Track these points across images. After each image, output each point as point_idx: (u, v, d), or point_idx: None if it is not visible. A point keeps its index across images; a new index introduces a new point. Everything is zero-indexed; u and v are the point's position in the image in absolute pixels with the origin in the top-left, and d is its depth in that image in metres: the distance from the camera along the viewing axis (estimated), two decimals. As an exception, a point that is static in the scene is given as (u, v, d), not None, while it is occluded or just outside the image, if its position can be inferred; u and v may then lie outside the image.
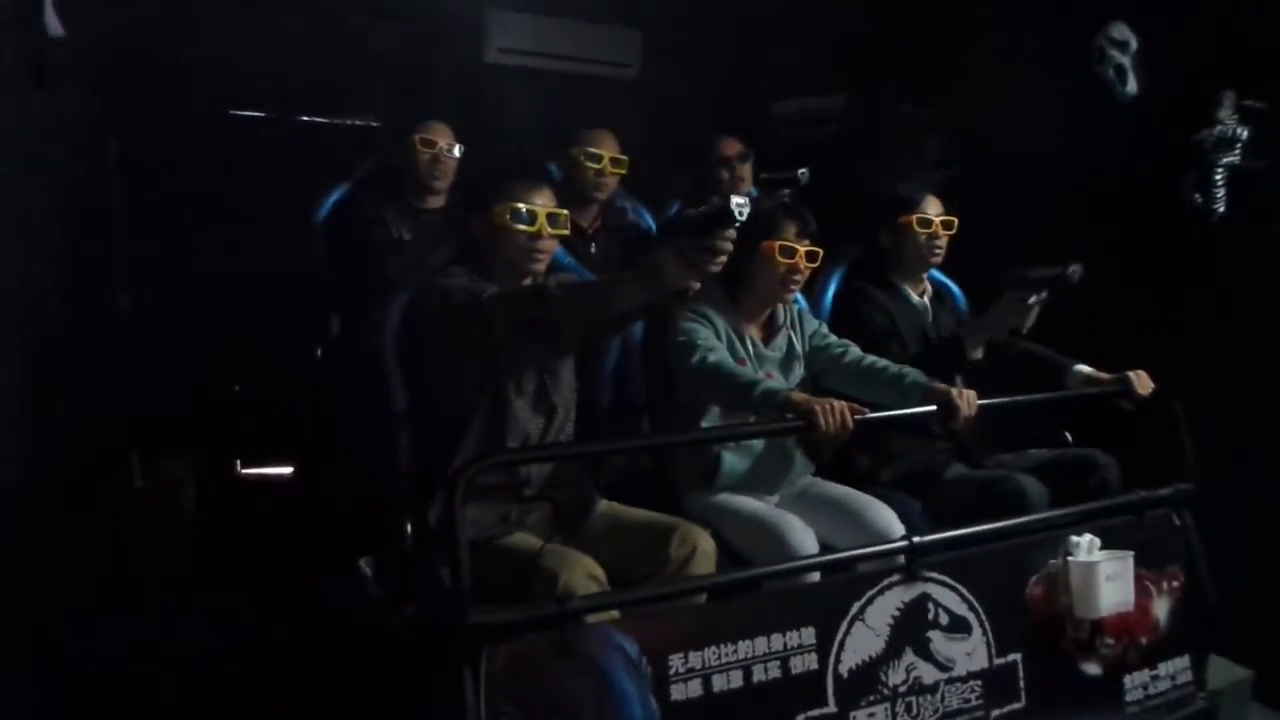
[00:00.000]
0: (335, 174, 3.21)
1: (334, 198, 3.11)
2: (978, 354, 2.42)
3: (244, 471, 3.79)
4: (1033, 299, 2.32)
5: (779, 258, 2.26)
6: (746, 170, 3.21)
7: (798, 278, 2.31)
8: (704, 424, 2.29)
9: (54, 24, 2.39)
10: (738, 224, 1.61)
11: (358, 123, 4.24)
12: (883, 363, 2.34)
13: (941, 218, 2.65)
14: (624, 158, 2.91)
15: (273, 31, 3.75)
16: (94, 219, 3.42)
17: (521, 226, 2.06)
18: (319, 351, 3.00)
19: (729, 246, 1.65)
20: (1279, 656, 2.49)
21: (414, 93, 4.11)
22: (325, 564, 2.35)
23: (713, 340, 2.22)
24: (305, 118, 4.19)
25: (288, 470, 3.44)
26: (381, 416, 2.12)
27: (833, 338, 2.46)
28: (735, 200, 1.58)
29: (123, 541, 3.13)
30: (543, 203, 2.08)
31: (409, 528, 1.99)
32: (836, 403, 1.93)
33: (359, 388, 2.26)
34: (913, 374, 2.26)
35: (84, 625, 2.63)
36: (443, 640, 1.63)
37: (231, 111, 3.99)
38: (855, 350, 2.40)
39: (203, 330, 3.60)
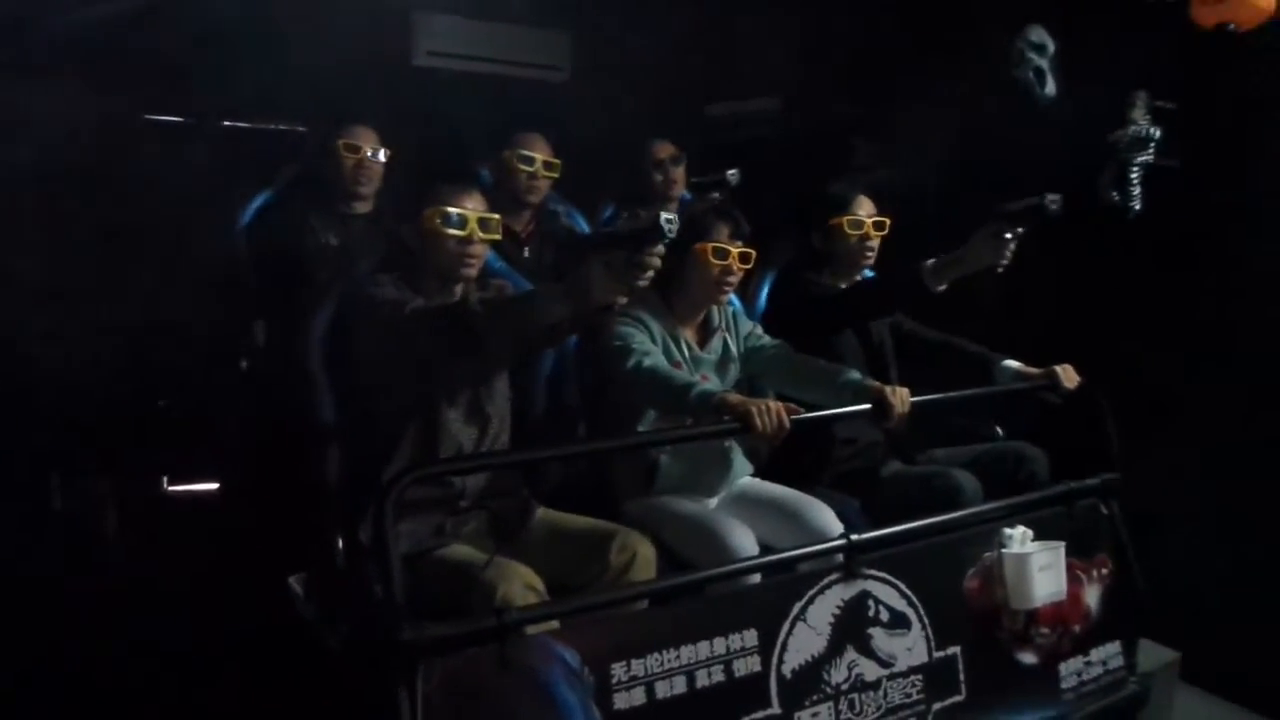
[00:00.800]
0: (259, 181, 3.12)
1: (257, 204, 3.02)
2: (941, 287, 2.39)
3: (171, 489, 3.67)
4: (1008, 233, 2.28)
5: (712, 259, 2.26)
6: (679, 173, 3.21)
7: (731, 279, 2.30)
8: (641, 428, 2.28)
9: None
10: (666, 240, 1.63)
11: (283, 127, 4.14)
12: (816, 361, 2.35)
13: (873, 219, 2.68)
14: (556, 160, 2.89)
15: (193, 33, 3.65)
16: (3, 229, 3.28)
17: (452, 231, 2.01)
18: (244, 363, 2.90)
19: (657, 262, 1.68)
20: (1204, 638, 2.57)
21: (341, 97, 4.03)
22: (255, 582, 2.28)
23: (647, 344, 2.21)
24: (227, 123, 4.08)
25: (215, 486, 3.34)
26: (309, 429, 2.06)
27: (767, 338, 2.46)
28: (664, 216, 1.60)
29: (42, 565, 3.00)
30: (473, 206, 2.04)
31: (340, 543, 1.93)
32: (772, 403, 1.93)
33: (286, 399, 2.19)
34: (846, 373, 2.27)
35: (9, 651, 2.51)
36: (377, 659, 1.58)
37: (149, 116, 3.86)
38: (788, 350, 2.41)
39: (123, 344, 3.48)
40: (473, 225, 2.02)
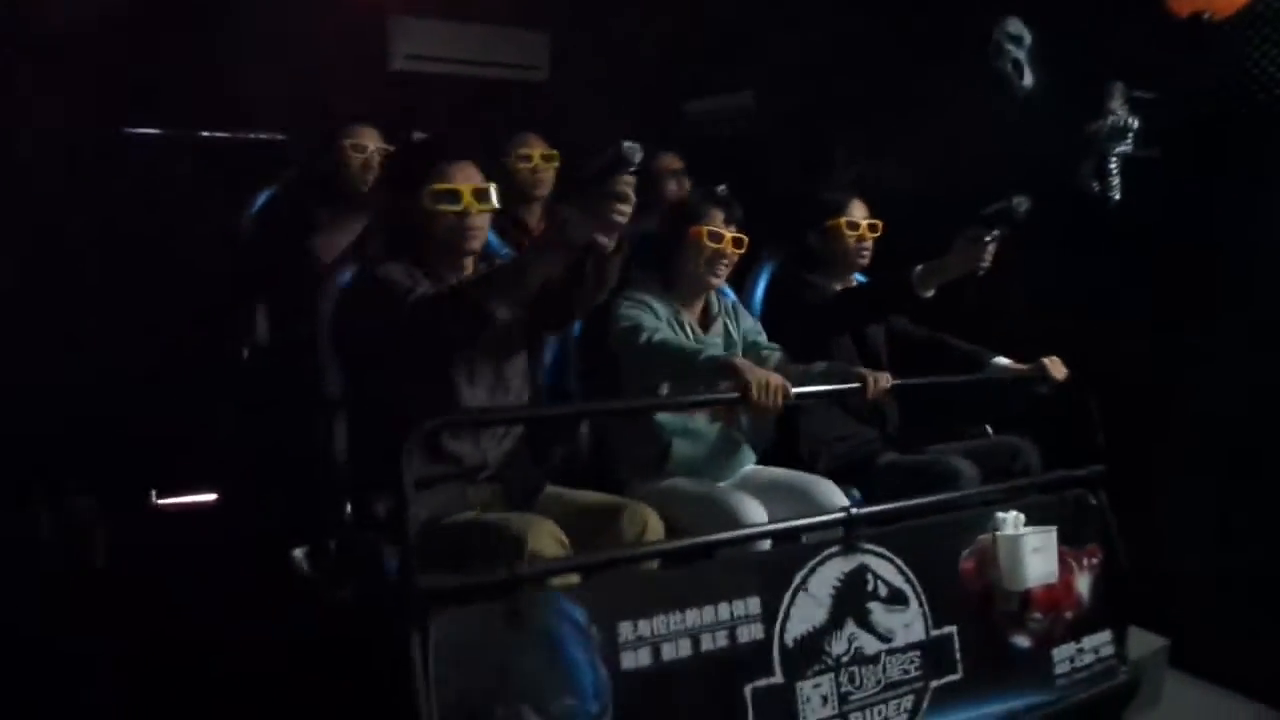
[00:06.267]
0: (245, 188, 3.17)
1: (262, 200, 3.08)
2: (928, 293, 2.50)
3: (160, 502, 3.62)
4: (986, 237, 2.39)
5: (706, 242, 2.33)
6: (687, 183, 3.32)
7: (725, 263, 2.37)
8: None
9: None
10: (633, 168, 1.61)
11: (262, 136, 4.18)
12: (803, 366, 2.40)
13: (867, 221, 2.76)
14: (554, 151, 2.99)
15: (171, 45, 3.69)
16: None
17: (447, 207, 2.02)
18: (245, 352, 2.92)
19: (629, 192, 1.67)
20: (1192, 625, 2.61)
21: (321, 104, 4.04)
22: (257, 568, 2.27)
23: (656, 321, 2.27)
24: (205, 133, 4.11)
25: (210, 497, 3.30)
26: (318, 403, 2.08)
27: (763, 339, 2.51)
28: (625, 144, 1.59)
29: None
30: (464, 179, 2.04)
31: (349, 512, 1.93)
32: (774, 377, 1.98)
33: (293, 378, 2.21)
34: (822, 366, 2.34)
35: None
36: (390, 609, 1.59)
37: (125, 129, 3.89)
38: (784, 359, 2.44)
39: (110, 357, 3.44)
40: (468, 198, 2.02)
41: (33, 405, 3.25)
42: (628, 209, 1.69)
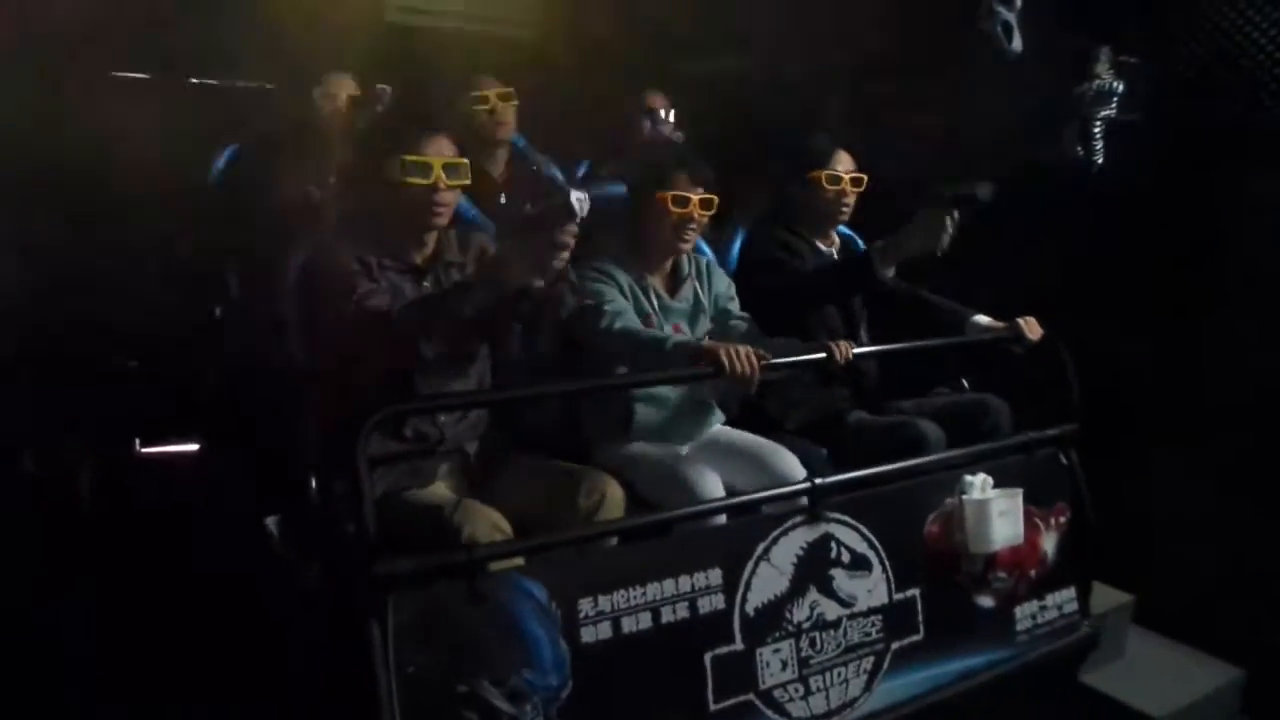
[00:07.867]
0: (226, 135, 3.11)
1: (227, 155, 3.01)
2: (889, 272, 2.47)
3: (145, 450, 3.65)
4: (946, 218, 2.35)
5: (673, 208, 2.28)
6: (668, 126, 3.25)
7: (693, 227, 2.31)
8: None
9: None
10: (579, 219, 1.65)
11: (251, 85, 4.09)
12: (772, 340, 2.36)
13: (851, 175, 2.69)
14: (509, 89, 2.85)
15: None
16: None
17: (416, 180, 1.96)
18: (217, 311, 2.90)
19: (571, 241, 1.69)
20: (1155, 582, 2.65)
21: (312, 53, 3.98)
22: (233, 528, 2.30)
23: (619, 301, 2.22)
24: (195, 80, 4.03)
25: (193, 447, 3.33)
26: (283, 373, 2.08)
27: (735, 307, 2.47)
28: (575, 195, 1.62)
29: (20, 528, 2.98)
30: (436, 152, 1.98)
31: (314, 484, 1.95)
32: (742, 347, 1.97)
33: (262, 348, 2.20)
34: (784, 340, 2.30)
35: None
36: (349, 593, 1.62)
37: (114, 73, 3.81)
38: (754, 331, 2.41)
39: (94, 306, 3.44)
40: (438, 172, 1.96)
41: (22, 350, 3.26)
42: (567, 256, 1.71)
